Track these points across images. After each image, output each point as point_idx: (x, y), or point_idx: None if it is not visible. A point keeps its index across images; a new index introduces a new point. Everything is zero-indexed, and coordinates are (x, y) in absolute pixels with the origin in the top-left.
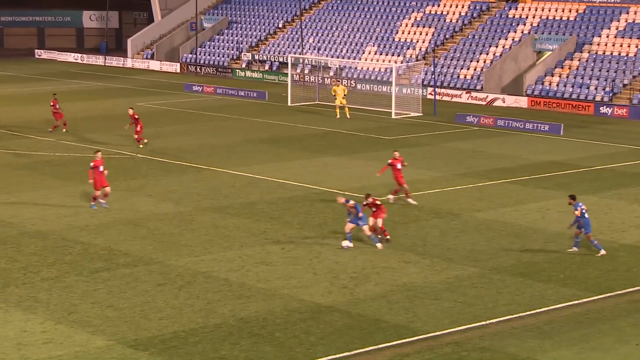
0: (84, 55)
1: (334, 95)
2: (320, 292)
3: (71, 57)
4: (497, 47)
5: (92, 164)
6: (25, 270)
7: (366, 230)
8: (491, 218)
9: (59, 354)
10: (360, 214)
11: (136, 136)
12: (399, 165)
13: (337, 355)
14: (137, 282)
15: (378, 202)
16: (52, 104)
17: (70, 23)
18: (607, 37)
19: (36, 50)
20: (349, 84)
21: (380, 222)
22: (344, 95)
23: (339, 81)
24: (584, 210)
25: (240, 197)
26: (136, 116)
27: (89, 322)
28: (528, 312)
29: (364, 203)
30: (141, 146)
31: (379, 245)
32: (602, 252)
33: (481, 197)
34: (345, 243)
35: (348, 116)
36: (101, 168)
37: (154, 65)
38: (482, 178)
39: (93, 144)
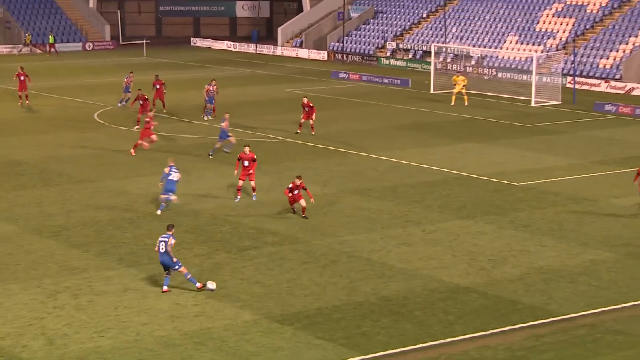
0: (237, 43)
1: (454, 84)
2: (459, 273)
3: (224, 45)
4: (637, 37)
5: (239, 156)
6: (179, 247)
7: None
8: (627, 204)
9: (209, 326)
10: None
11: (310, 121)
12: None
13: (475, 335)
14: (283, 260)
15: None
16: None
17: (224, 13)
18: None
19: (192, 39)
20: (490, 72)
21: (303, 202)
22: (464, 85)
23: (460, 72)
24: None
25: (383, 180)
26: (310, 104)
27: (237, 297)
28: None
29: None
30: (313, 133)
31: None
32: None
33: (618, 184)
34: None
35: (466, 103)
36: (246, 163)
37: (303, 53)
38: (619, 165)
39: (244, 129)
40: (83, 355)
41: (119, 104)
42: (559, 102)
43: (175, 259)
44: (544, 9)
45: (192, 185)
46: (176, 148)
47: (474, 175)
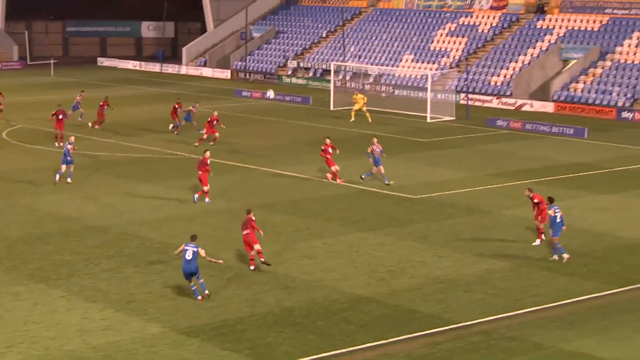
0: (142, 62)
1: (354, 102)
2: (360, 283)
3: (130, 64)
4: (525, 55)
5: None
6: (87, 262)
7: None
8: (519, 215)
9: (117, 339)
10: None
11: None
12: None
13: (375, 343)
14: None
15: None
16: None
17: (129, 33)
18: (629, 46)
19: (99, 58)
20: (387, 90)
21: (257, 246)
22: (364, 102)
23: (359, 90)
24: (556, 214)
25: (287, 195)
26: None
27: (145, 310)
28: (553, 304)
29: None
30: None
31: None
32: (566, 256)
33: (510, 196)
34: None
35: (370, 120)
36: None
37: (207, 72)
38: (511, 178)
39: (150, 146)
40: None
41: (79, 119)
42: (454, 118)
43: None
44: (438, 29)
45: (100, 201)
46: (83, 165)
47: (375, 189)
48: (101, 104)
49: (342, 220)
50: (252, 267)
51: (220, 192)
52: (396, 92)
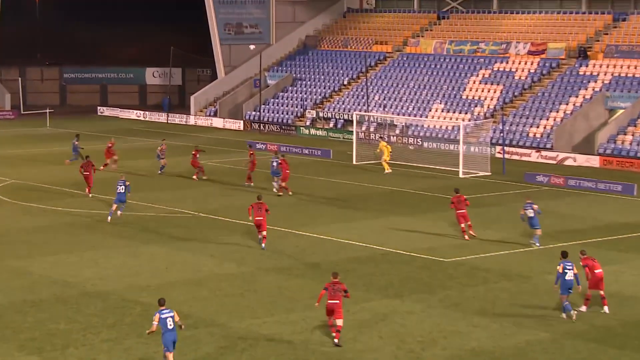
0: (147, 112)
1: (379, 152)
2: (386, 356)
3: (134, 114)
4: (567, 104)
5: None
6: (85, 332)
7: None
8: None
9: None
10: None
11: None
12: None
13: None
14: (199, 344)
15: None
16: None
17: (132, 80)
18: None
19: (99, 107)
20: (415, 142)
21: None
22: (390, 152)
23: (382, 138)
24: (566, 270)
25: (304, 257)
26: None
27: None
28: None
29: None
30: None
31: None
32: (574, 312)
33: (552, 259)
34: None
35: (387, 170)
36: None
37: (217, 122)
38: (552, 240)
39: (156, 204)
40: None
41: (159, 172)
42: (488, 173)
43: None
44: (471, 76)
45: (99, 264)
46: (81, 224)
47: (401, 251)
48: (193, 153)
49: (366, 285)
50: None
51: (230, 253)
52: (425, 144)
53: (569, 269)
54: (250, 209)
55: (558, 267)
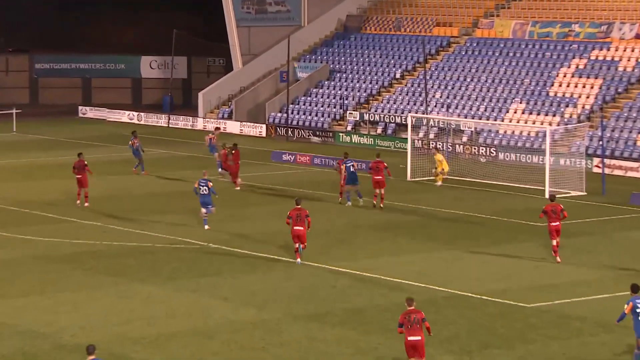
0: (142, 113)
1: (437, 164)
2: None
3: (125, 115)
4: None
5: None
6: None
7: None
8: None
9: None
10: None
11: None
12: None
13: None
14: None
15: None
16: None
17: (124, 72)
18: None
19: (80, 107)
20: (488, 152)
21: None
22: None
23: (437, 149)
24: (638, 308)
25: (344, 301)
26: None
27: None
28: None
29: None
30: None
31: None
32: None
33: None
34: None
35: (438, 183)
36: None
37: (233, 127)
38: None
39: (154, 232)
40: None
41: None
42: (583, 193)
43: None
44: (561, 67)
45: (80, 308)
46: (58, 258)
47: (469, 294)
48: (222, 152)
49: (425, 337)
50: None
51: (249, 296)
52: (500, 155)
53: None
54: (289, 219)
55: (625, 308)
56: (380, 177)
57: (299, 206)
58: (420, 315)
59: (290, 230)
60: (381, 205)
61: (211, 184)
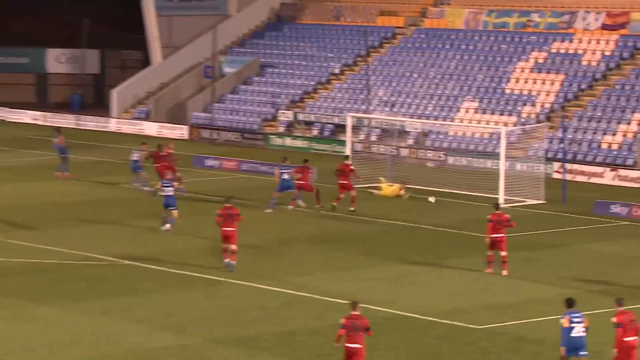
0: (48, 113)
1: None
2: None
3: (28, 116)
4: None
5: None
6: None
7: None
8: None
9: None
10: None
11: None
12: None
13: None
14: None
15: None
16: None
17: (27, 66)
18: None
19: None
20: (437, 157)
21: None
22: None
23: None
24: (572, 325)
25: (274, 323)
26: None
27: None
28: None
29: None
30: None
31: None
32: None
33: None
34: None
35: (401, 194)
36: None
37: (150, 128)
38: (636, 297)
39: (58, 247)
40: None
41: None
42: (542, 201)
43: None
44: (518, 61)
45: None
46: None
47: (413, 315)
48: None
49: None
50: None
51: (165, 318)
52: (450, 159)
53: (577, 322)
54: (220, 218)
55: (562, 321)
56: (347, 182)
57: (229, 204)
58: (365, 322)
59: (220, 230)
60: (352, 209)
61: (176, 184)
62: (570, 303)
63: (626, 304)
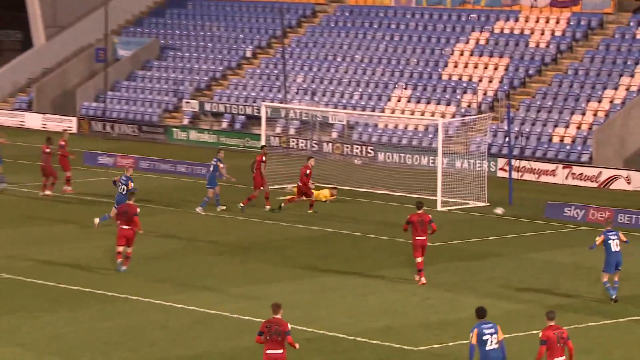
0: None
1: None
2: None
3: None
4: (616, 89)
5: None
6: None
7: None
8: None
9: None
10: None
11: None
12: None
13: None
14: None
15: None
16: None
17: None
18: None
19: None
20: (364, 152)
21: None
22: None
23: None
24: (485, 336)
25: (179, 346)
26: None
27: None
28: None
29: None
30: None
31: None
32: None
33: (591, 348)
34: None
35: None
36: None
37: (33, 120)
38: (592, 313)
39: None
40: None
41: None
42: (485, 204)
43: None
44: (456, 43)
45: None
46: None
47: (340, 335)
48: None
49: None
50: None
51: (52, 340)
52: (380, 156)
53: (490, 333)
54: (116, 216)
55: (471, 335)
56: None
57: (130, 202)
58: (284, 327)
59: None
60: (311, 211)
61: (132, 184)
62: (480, 313)
63: (583, 321)
